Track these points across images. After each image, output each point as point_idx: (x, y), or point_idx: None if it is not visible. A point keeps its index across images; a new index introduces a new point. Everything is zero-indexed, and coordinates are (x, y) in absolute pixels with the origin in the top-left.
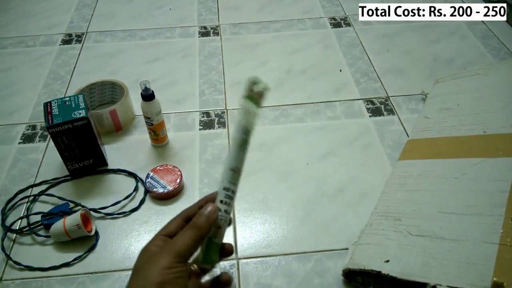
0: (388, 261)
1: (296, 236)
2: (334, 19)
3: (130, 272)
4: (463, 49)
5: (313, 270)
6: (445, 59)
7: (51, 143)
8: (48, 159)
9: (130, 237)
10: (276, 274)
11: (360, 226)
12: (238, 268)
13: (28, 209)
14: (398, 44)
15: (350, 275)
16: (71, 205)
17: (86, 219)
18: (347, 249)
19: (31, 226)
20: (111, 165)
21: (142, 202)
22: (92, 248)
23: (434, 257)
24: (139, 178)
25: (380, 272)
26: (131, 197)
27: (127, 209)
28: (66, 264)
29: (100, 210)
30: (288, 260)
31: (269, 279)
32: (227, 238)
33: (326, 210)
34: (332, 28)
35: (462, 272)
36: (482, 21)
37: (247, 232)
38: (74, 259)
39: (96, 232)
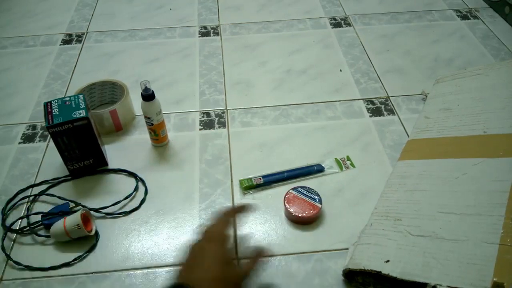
0: (388, 261)
1: (296, 236)
2: (334, 19)
3: (130, 272)
4: (463, 49)
5: (313, 270)
6: (445, 59)
7: (51, 143)
8: (48, 159)
9: (131, 237)
10: (276, 274)
11: (360, 226)
12: None
13: (28, 209)
14: (398, 44)
15: (350, 275)
16: (72, 205)
17: (86, 219)
18: (347, 249)
19: (31, 226)
20: (111, 165)
21: (142, 201)
22: (92, 248)
23: (434, 257)
24: (140, 177)
25: (380, 272)
26: (131, 197)
27: (127, 209)
28: (66, 264)
29: (100, 210)
30: (288, 260)
31: (269, 279)
32: None
33: (326, 210)
34: (332, 28)
35: (463, 272)
36: (482, 21)
37: (247, 232)
38: (74, 259)
39: (97, 232)
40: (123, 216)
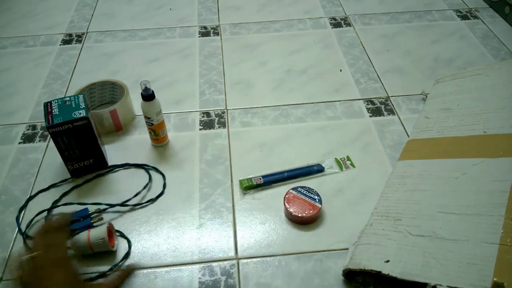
0: (388, 261)
1: (296, 236)
2: (334, 19)
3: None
4: (463, 49)
5: (313, 270)
6: (445, 59)
7: (51, 143)
8: (48, 159)
9: (130, 237)
10: (276, 274)
11: (360, 226)
12: (238, 268)
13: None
14: (398, 44)
15: (350, 275)
16: (91, 209)
17: (109, 233)
18: (347, 249)
19: None
20: (111, 165)
21: (161, 194)
22: (127, 256)
23: (434, 257)
24: (150, 167)
25: (380, 272)
26: (148, 187)
27: (144, 200)
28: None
29: (127, 203)
30: (288, 260)
31: (269, 279)
32: (228, 237)
33: (326, 210)
34: (332, 28)
35: (462, 272)
36: (482, 21)
37: (247, 232)
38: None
39: (128, 240)
40: (141, 208)
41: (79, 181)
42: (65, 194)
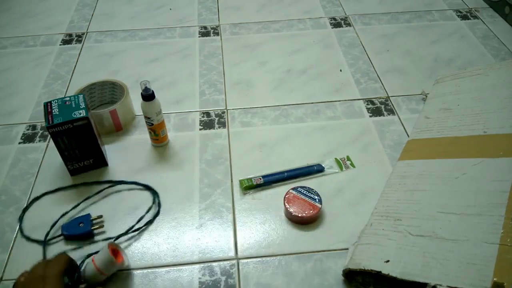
0: (388, 261)
1: (296, 236)
2: (334, 19)
3: (130, 272)
4: (463, 49)
5: (313, 270)
6: (445, 59)
7: (51, 143)
8: (48, 159)
9: (131, 237)
10: (276, 274)
11: (360, 226)
12: (238, 268)
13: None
14: (398, 44)
15: (350, 275)
16: (93, 216)
17: (114, 252)
18: (347, 249)
19: (50, 239)
20: (111, 165)
21: (157, 214)
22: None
23: (434, 257)
24: (151, 188)
25: (380, 272)
26: (149, 210)
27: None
28: None
29: (131, 232)
30: (288, 260)
31: (269, 279)
32: (228, 237)
33: (326, 210)
34: (332, 28)
35: (462, 272)
36: (482, 21)
37: (247, 232)
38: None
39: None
40: (138, 233)
41: (86, 191)
42: (68, 198)
